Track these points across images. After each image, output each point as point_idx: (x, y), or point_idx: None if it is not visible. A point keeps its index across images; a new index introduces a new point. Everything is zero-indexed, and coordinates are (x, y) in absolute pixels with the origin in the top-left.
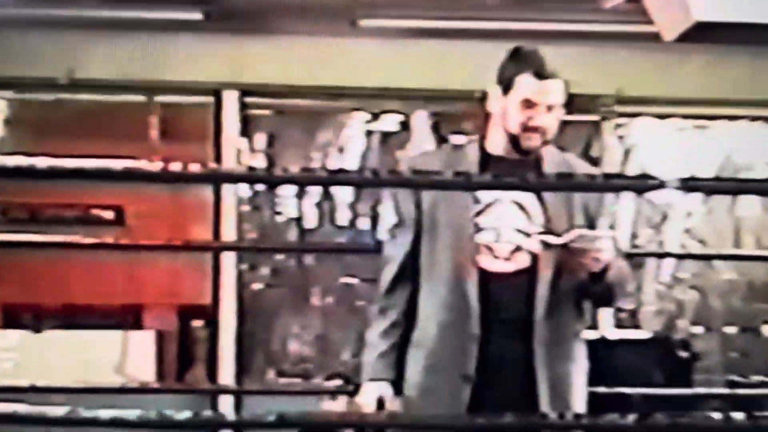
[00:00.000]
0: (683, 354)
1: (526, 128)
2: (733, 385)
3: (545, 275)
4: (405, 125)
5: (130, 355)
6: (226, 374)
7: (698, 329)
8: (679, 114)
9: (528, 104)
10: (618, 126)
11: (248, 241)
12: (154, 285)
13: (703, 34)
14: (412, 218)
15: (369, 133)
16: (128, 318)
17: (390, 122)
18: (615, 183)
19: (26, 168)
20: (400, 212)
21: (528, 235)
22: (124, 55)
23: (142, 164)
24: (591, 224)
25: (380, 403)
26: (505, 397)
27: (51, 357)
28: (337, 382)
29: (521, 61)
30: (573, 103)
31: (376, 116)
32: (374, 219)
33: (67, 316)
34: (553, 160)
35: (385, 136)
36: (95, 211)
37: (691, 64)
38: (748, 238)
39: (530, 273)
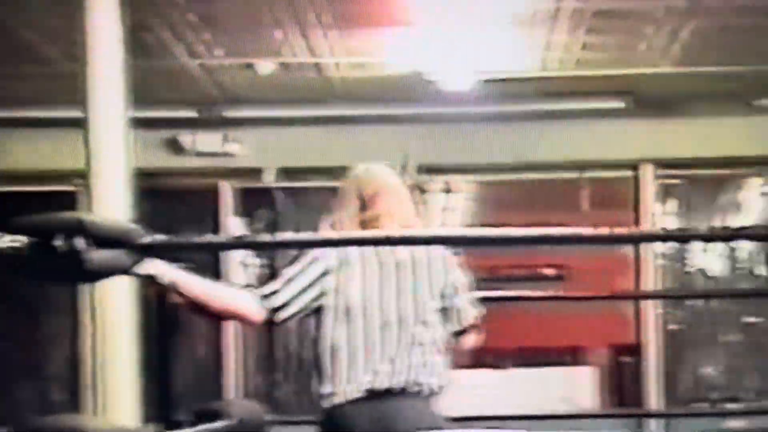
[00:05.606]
0: None
1: None
2: None
3: None
4: None
5: (574, 387)
6: (652, 400)
7: None
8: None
9: None
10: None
11: (665, 289)
12: (589, 328)
13: None
14: None
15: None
16: (569, 357)
17: None
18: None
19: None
20: None
21: None
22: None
23: (576, 230)
24: None
25: None
26: None
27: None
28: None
29: None
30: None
31: None
32: None
33: (522, 357)
34: None
35: None
36: (540, 269)
37: None
38: None
39: None
